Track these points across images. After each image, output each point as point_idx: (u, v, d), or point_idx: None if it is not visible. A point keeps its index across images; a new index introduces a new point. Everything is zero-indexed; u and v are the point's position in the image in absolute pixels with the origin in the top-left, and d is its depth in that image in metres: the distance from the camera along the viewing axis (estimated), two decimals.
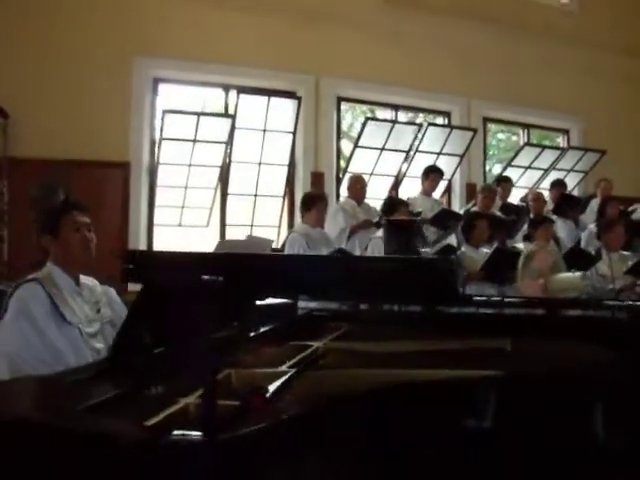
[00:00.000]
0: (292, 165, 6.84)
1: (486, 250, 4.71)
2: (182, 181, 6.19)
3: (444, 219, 5.31)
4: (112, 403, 1.22)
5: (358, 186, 5.37)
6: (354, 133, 8.30)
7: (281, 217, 6.85)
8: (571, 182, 7.75)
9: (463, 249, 4.52)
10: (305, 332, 2.19)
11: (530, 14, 8.03)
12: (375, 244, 4.47)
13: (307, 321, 2.39)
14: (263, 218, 6.78)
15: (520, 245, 4.84)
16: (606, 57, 8.41)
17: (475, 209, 5.73)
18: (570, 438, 1.59)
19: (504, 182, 6.47)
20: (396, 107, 7.63)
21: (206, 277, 1.00)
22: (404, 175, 7.25)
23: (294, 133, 6.59)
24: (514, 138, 11.82)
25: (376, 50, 7.06)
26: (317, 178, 6.94)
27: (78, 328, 2.13)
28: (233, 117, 6.00)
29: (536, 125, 8.66)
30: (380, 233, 4.61)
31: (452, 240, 5.26)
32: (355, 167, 6.86)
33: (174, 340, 1.43)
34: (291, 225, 7.01)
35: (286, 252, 4.29)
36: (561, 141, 8.86)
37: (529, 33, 7.83)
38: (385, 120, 7.09)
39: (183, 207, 6.34)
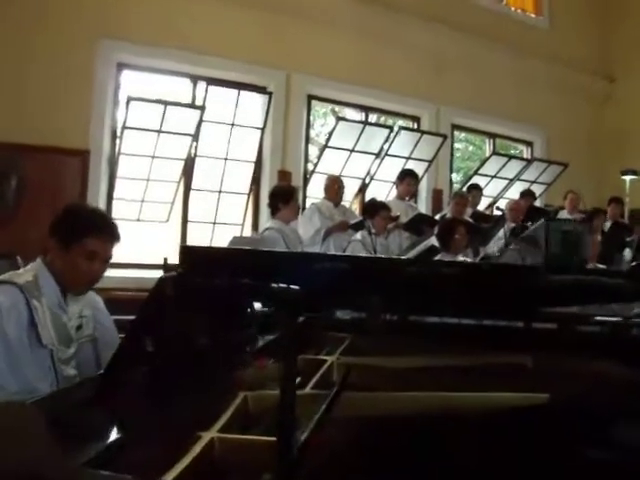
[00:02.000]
0: (259, 162, 6.62)
1: (462, 257, 4.61)
2: (144, 173, 5.87)
3: (419, 224, 5.20)
4: (116, 447, 0.98)
5: (336, 187, 5.19)
6: (311, 134, 8.14)
7: (245, 215, 6.61)
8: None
9: (440, 256, 4.40)
10: (304, 344, 1.97)
11: (503, 26, 8.10)
12: (354, 247, 4.29)
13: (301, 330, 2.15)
14: (226, 215, 6.53)
15: None
16: (571, 74, 8.62)
17: (448, 216, 5.66)
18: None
19: (474, 190, 6.43)
20: (366, 109, 7.50)
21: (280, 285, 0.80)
22: (372, 178, 7.13)
23: (263, 129, 6.37)
24: (470, 148, 11.97)
25: (349, 50, 6.93)
26: (284, 177, 6.73)
27: (51, 351, 1.78)
28: (202, 109, 5.73)
29: (501, 135, 8.71)
30: (359, 236, 4.44)
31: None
32: (323, 167, 6.71)
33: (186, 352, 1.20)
34: (255, 224, 6.79)
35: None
36: (524, 152, 8.94)
37: (500, 44, 7.88)
38: (356, 121, 6.95)
39: (143, 201, 6.02)
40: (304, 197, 6.88)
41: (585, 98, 8.97)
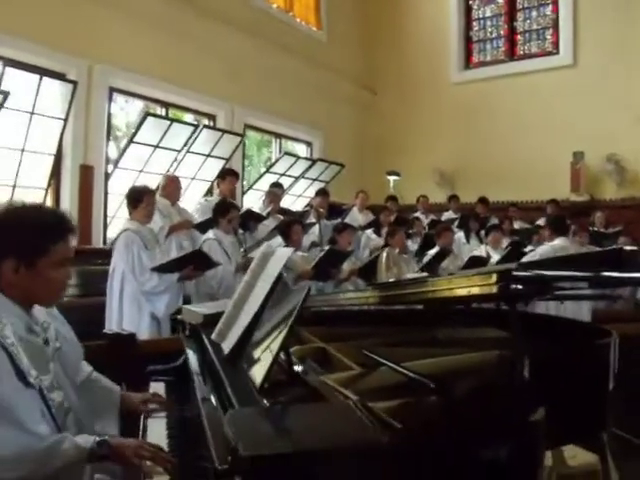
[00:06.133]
0: (59, 155, 6.17)
1: (301, 253, 5.01)
2: None
3: (247, 220, 5.43)
4: None
5: (173, 186, 5.13)
6: None
7: None
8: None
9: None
10: None
11: (289, 35, 8.74)
12: (211, 245, 4.36)
13: None
14: None
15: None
16: (343, 84, 9.77)
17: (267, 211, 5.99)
18: None
19: (278, 187, 6.83)
20: (166, 105, 7.44)
21: None
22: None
23: (65, 120, 5.95)
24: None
25: (153, 45, 6.85)
26: (86, 171, 6.40)
27: (39, 387, 1.51)
28: (5, 94, 5.15)
29: (287, 136, 9.35)
30: (212, 234, 4.52)
31: None
32: (126, 163, 6.53)
33: None
34: None
35: (122, 253, 3.88)
36: (305, 151, 9.72)
37: (287, 52, 8.50)
38: (164, 117, 6.88)
39: None
40: (105, 194, 6.63)
41: (353, 106, 10.14)
